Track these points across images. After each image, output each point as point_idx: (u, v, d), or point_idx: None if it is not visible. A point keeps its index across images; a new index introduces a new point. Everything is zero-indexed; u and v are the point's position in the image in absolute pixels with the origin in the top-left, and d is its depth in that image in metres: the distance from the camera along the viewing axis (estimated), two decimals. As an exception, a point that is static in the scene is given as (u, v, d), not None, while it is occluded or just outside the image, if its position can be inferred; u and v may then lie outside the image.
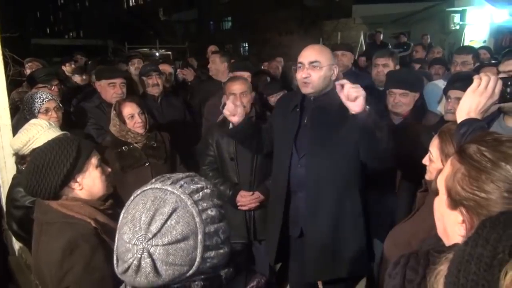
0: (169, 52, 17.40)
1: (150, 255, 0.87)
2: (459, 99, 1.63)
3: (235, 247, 1.02)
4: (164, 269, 0.88)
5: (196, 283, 0.91)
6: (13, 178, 2.34)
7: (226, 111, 2.25)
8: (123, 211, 0.95)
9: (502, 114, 1.86)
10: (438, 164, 1.65)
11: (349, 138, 2.08)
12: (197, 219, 0.91)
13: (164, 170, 2.50)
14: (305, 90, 2.17)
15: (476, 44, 8.63)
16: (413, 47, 7.71)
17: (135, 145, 2.61)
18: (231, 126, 2.31)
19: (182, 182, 0.96)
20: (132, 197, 0.96)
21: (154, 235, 0.88)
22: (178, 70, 5.35)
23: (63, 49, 15.43)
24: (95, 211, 1.57)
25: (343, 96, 1.88)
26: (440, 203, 0.98)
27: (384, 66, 3.40)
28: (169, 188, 0.93)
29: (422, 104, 2.81)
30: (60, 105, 2.84)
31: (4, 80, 2.79)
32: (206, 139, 2.88)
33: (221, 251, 0.95)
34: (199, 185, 0.97)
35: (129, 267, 0.88)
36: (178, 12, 27.53)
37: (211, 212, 0.94)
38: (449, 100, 2.45)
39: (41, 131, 2.15)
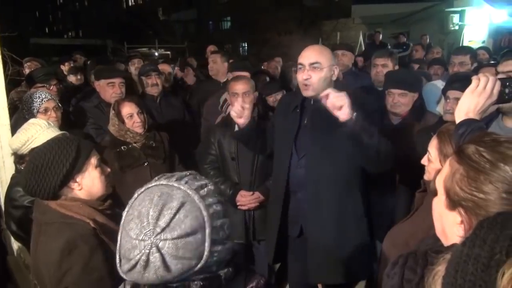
0: (168, 52, 17.40)
1: (159, 250, 0.87)
2: (458, 99, 1.64)
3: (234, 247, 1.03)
4: (174, 263, 0.88)
5: (196, 282, 0.91)
6: (12, 178, 2.34)
7: (233, 113, 2.25)
8: (126, 209, 0.95)
9: (500, 114, 1.86)
10: (436, 164, 1.65)
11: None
12: (205, 213, 0.92)
13: (163, 170, 2.50)
14: (306, 93, 2.17)
15: (475, 45, 8.65)
16: (412, 47, 7.71)
17: (134, 144, 2.61)
18: (236, 128, 2.31)
19: (186, 179, 0.97)
20: (135, 195, 0.96)
21: (163, 229, 0.88)
22: (175, 68, 5.35)
23: (62, 48, 15.42)
24: (94, 211, 1.56)
25: (329, 105, 1.91)
26: (439, 204, 0.98)
27: (383, 66, 3.40)
28: (175, 184, 0.94)
29: (421, 104, 2.81)
30: (59, 104, 2.84)
31: (3, 79, 2.79)
32: (208, 138, 2.88)
33: (227, 245, 0.97)
34: (202, 182, 0.99)
35: (136, 263, 0.87)
36: (177, 12, 27.51)
37: (217, 207, 0.96)
38: (448, 100, 2.45)
39: (40, 130, 2.15)
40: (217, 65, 4.11)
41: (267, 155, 2.56)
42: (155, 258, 0.87)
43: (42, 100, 2.70)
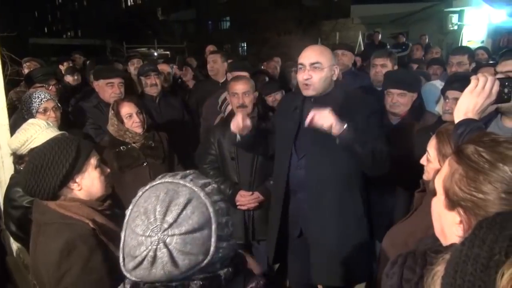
0: (167, 52, 17.38)
1: (166, 245, 0.87)
2: (457, 99, 1.63)
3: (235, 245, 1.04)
4: (181, 258, 0.88)
5: (195, 282, 0.91)
6: (11, 178, 2.33)
7: (234, 128, 2.21)
8: (130, 207, 0.95)
9: (499, 114, 1.86)
10: (435, 164, 1.65)
11: None
12: (211, 209, 0.93)
13: (162, 170, 2.49)
14: (306, 92, 2.17)
15: (474, 45, 8.67)
16: (411, 47, 7.72)
17: (133, 145, 2.60)
18: (238, 138, 2.29)
19: (191, 177, 0.98)
20: (140, 193, 0.96)
21: (170, 225, 0.88)
22: (174, 67, 5.35)
23: (61, 48, 15.39)
24: (94, 211, 1.56)
25: (318, 126, 1.95)
26: (438, 204, 0.98)
27: (382, 66, 3.40)
28: (181, 182, 0.95)
29: (420, 104, 2.81)
30: (59, 104, 2.83)
31: (2, 79, 2.78)
32: (208, 138, 2.89)
33: (231, 242, 0.98)
34: (206, 180, 1.00)
35: (143, 260, 0.87)
36: (176, 12, 27.49)
37: (222, 205, 0.97)
38: (447, 100, 2.46)
39: (39, 130, 2.15)
40: (218, 65, 4.10)
41: (268, 156, 2.56)
42: (162, 253, 0.87)
43: (41, 100, 2.70)
